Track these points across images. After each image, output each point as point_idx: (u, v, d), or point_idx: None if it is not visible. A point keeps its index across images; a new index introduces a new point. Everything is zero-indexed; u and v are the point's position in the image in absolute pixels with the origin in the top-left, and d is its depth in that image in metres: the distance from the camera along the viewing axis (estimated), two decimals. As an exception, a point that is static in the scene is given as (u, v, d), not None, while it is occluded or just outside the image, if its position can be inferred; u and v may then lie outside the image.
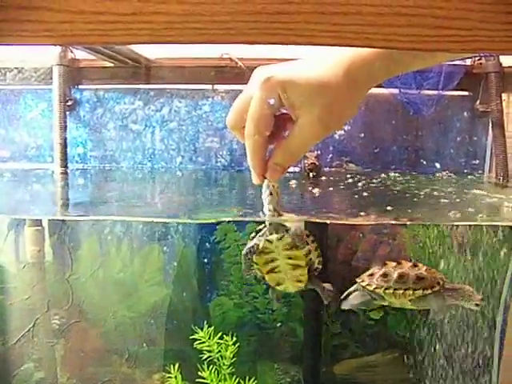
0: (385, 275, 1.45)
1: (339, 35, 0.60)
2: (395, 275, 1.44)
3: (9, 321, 2.09)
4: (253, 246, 1.33)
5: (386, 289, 1.44)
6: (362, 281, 1.49)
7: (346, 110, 0.89)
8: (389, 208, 1.42)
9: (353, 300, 1.53)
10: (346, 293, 1.56)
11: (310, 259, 1.37)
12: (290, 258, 1.35)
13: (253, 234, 1.38)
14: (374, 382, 2.10)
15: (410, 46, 0.61)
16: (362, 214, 1.41)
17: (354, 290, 1.54)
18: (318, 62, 0.87)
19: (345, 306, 1.54)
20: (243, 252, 1.34)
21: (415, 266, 1.45)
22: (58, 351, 2.11)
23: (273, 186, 1.23)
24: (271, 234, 1.31)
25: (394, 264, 1.48)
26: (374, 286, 1.46)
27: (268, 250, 1.33)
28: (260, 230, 1.35)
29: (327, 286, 1.44)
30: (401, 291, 1.42)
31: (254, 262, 1.37)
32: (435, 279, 1.42)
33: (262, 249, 1.33)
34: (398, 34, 0.59)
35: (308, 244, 1.36)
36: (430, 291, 1.41)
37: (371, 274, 1.49)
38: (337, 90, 0.85)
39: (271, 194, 1.23)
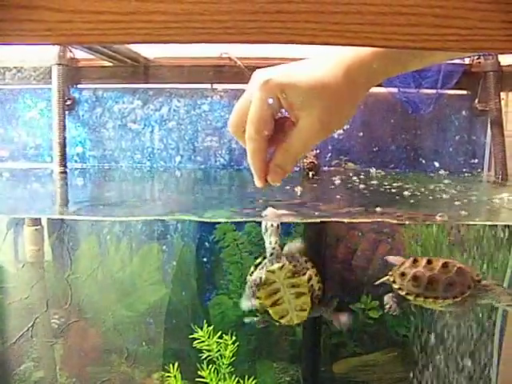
0: (415, 278, 1.43)
1: (339, 34, 0.60)
2: (426, 280, 1.42)
3: (8, 320, 2.09)
4: (256, 280, 1.35)
5: (416, 296, 1.43)
6: (394, 281, 1.48)
7: (345, 111, 0.89)
8: (378, 209, 1.42)
9: (390, 302, 1.52)
10: (379, 281, 1.55)
11: (312, 285, 1.38)
12: (293, 286, 1.36)
13: (252, 269, 1.39)
14: (372, 381, 2.10)
15: (410, 45, 0.61)
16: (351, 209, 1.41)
17: (388, 292, 1.53)
18: (317, 64, 0.87)
19: (391, 309, 1.53)
20: (248, 284, 1.35)
21: (446, 265, 1.43)
22: (57, 350, 2.11)
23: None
24: (272, 264, 1.33)
25: (425, 262, 1.46)
26: (405, 292, 1.45)
27: (271, 281, 1.35)
28: (259, 263, 1.37)
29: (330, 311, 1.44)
30: (431, 299, 1.41)
31: (256, 297, 1.38)
32: (466, 282, 1.40)
33: (265, 280, 1.34)
34: (398, 33, 0.60)
35: (308, 269, 1.37)
36: (459, 298, 1.40)
37: (403, 274, 1.47)
38: (336, 90, 0.85)
39: (272, 225, 1.26)
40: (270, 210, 1.28)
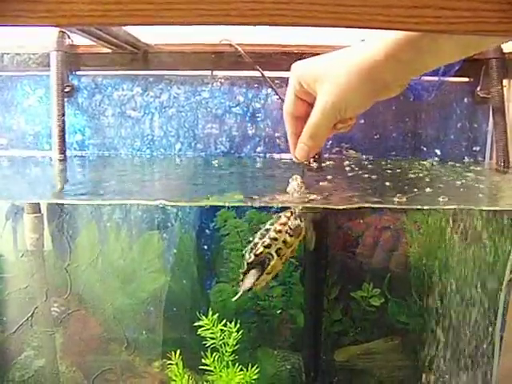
0: None
1: (343, 17, 0.59)
2: None
3: (8, 310, 2.08)
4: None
5: None
6: None
7: (357, 100, 0.94)
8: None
9: None
10: None
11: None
12: (290, 247, 1.34)
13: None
14: (374, 369, 2.11)
15: (414, 28, 0.61)
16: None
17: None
18: (345, 54, 0.92)
19: None
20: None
21: None
22: (57, 339, 2.11)
23: (296, 179, 1.27)
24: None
25: None
26: None
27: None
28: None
29: None
30: None
31: (286, 245, 1.34)
32: None
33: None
34: (401, 15, 0.59)
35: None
36: None
37: None
38: (352, 80, 0.90)
39: (298, 185, 1.25)
40: (296, 177, 1.34)
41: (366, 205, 1.31)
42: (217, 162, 2.01)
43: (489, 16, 0.58)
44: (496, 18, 0.58)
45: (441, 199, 1.33)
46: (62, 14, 0.59)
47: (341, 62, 0.90)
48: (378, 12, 0.59)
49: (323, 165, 1.88)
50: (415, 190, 1.47)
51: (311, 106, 0.99)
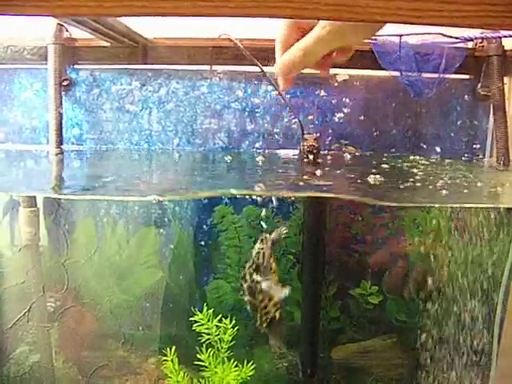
0: None
1: (343, 9, 0.58)
2: None
3: (4, 305, 2.07)
4: None
5: None
6: None
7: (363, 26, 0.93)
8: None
9: None
10: None
11: None
12: None
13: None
14: (371, 367, 2.10)
15: (416, 21, 0.60)
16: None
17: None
18: None
19: None
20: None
21: None
22: (53, 335, 2.10)
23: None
24: None
25: None
26: None
27: None
28: None
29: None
30: None
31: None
32: None
33: None
34: (403, 8, 0.58)
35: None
36: None
37: None
38: None
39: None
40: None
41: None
42: (215, 157, 2.00)
43: (491, 10, 0.57)
44: (499, 12, 0.57)
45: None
46: (57, 3, 0.58)
47: None
48: (380, 5, 0.58)
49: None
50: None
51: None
